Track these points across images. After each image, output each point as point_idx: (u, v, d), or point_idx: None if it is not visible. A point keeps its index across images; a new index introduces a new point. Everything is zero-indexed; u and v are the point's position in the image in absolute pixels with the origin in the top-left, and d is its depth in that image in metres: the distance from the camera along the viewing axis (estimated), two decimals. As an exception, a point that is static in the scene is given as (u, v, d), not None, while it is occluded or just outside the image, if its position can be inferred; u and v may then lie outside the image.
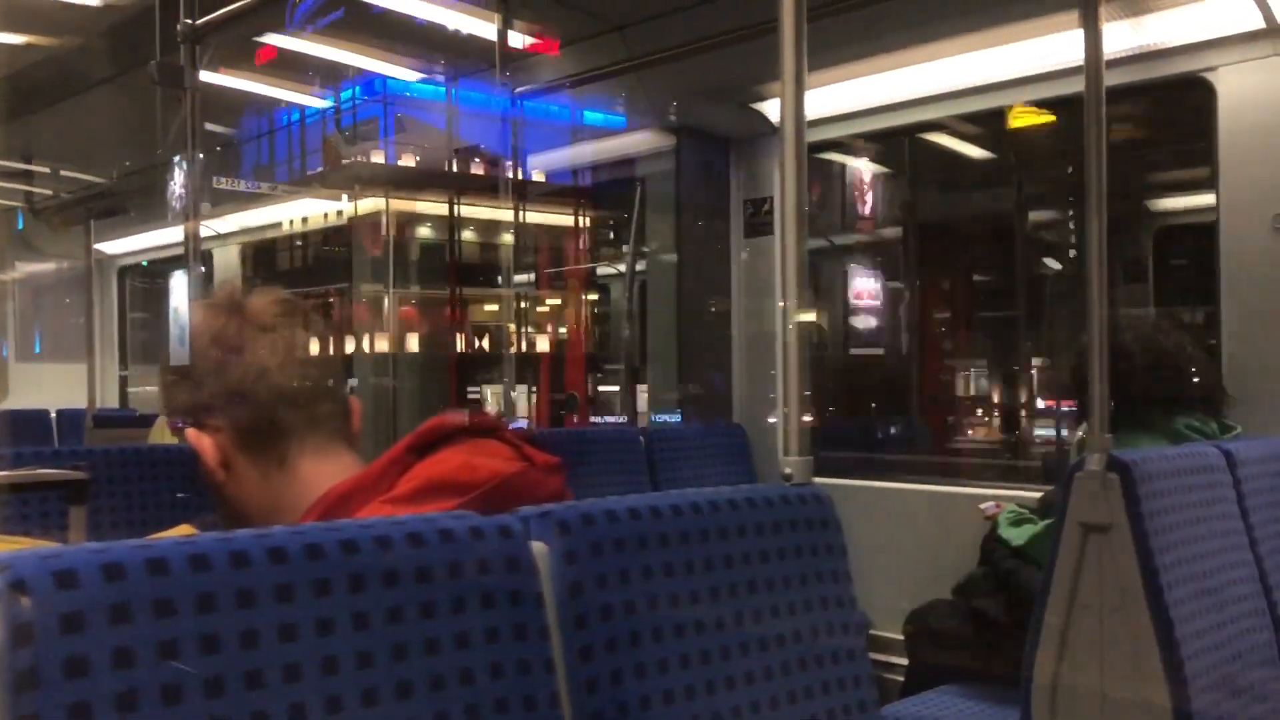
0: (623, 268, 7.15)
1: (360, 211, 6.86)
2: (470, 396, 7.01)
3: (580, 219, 7.14)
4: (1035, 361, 6.99)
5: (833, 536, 1.60)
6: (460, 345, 7.33)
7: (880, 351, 7.88)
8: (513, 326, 7.30)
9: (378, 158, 6.21)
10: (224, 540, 0.99)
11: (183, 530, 1.46)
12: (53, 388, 7.34)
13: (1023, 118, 3.79)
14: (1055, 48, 3.50)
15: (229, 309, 1.39)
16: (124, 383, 8.64)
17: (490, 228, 7.52)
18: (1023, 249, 6.51)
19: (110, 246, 8.26)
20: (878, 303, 7.63)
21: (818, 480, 1.72)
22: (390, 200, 6.69)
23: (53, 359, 8.47)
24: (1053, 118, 3.88)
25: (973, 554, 3.25)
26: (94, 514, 2.31)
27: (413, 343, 7.17)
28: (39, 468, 2.27)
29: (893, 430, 7.15)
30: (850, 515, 1.67)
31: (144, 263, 8.11)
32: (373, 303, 7.22)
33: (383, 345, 6.97)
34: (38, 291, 8.80)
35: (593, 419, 6.61)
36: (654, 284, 5.79)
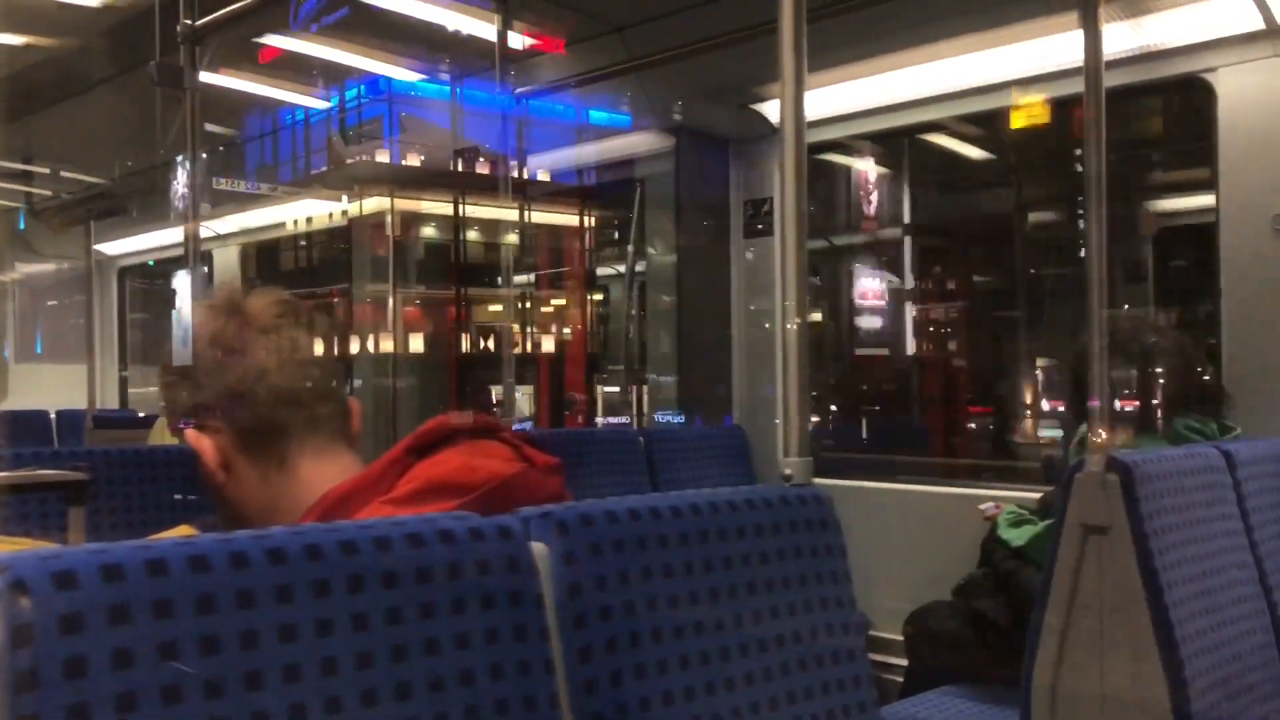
0: (623, 268, 7.15)
1: (361, 212, 6.86)
2: (480, 396, 7.01)
3: (580, 219, 7.14)
4: (1040, 362, 6.99)
5: (832, 537, 1.60)
6: (461, 346, 7.34)
7: (885, 352, 7.87)
8: (516, 327, 7.31)
9: (383, 157, 6.21)
10: (223, 541, 0.99)
11: (182, 531, 1.46)
12: (52, 388, 7.34)
13: (1024, 117, 3.79)
14: (1055, 49, 3.50)
15: (228, 310, 1.39)
16: (124, 384, 8.64)
17: (490, 227, 7.52)
18: (1022, 249, 6.52)
19: (110, 247, 8.26)
20: (881, 302, 7.63)
21: (817, 481, 1.72)
22: (391, 200, 6.69)
23: (53, 360, 8.47)
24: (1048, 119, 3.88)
25: (972, 555, 3.26)
26: (93, 515, 2.31)
27: (413, 343, 7.17)
28: (39, 468, 2.27)
29: (888, 429, 7.17)
30: (850, 516, 1.67)
31: (150, 262, 8.11)
32: (373, 303, 7.22)
33: (383, 346, 6.97)
34: (38, 292, 8.81)
35: (602, 420, 6.55)
36: (654, 285, 5.79)
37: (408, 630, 1.07)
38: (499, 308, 7.87)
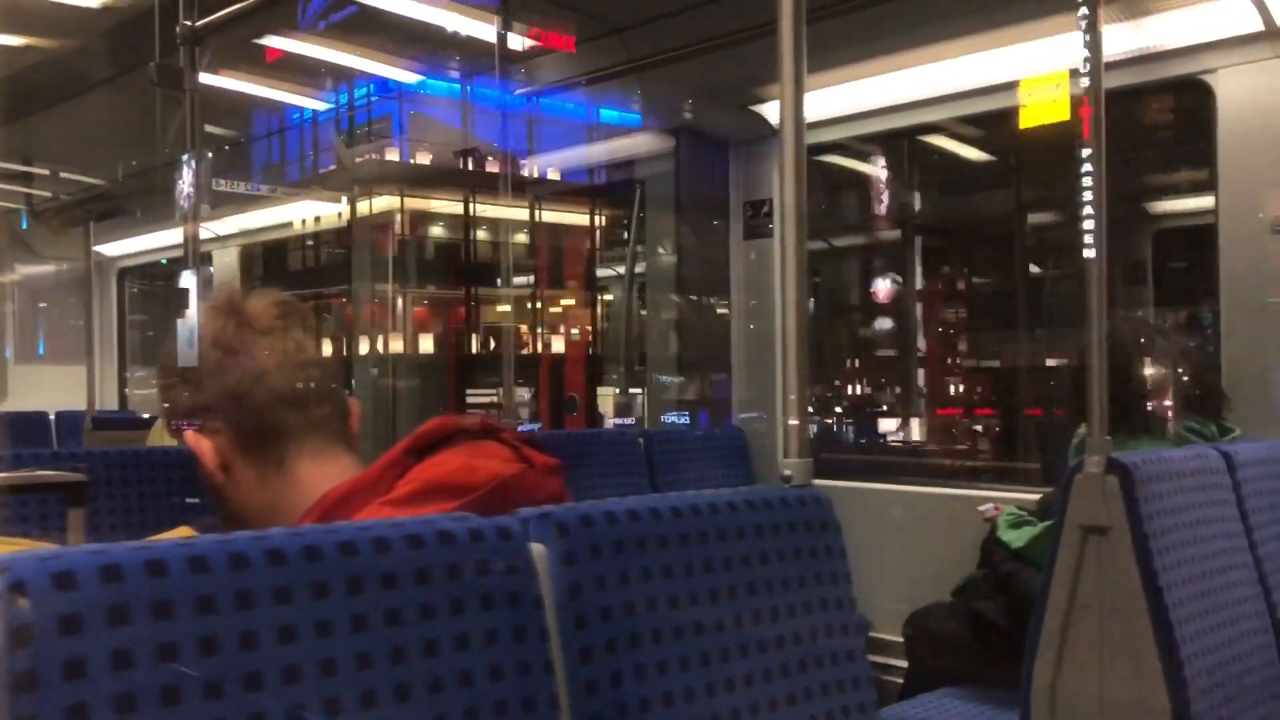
0: (622, 269, 7.16)
1: (362, 212, 6.86)
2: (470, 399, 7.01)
3: (589, 219, 7.15)
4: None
5: (832, 538, 1.60)
6: (460, 347, 7.35)
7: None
8: (521, 328, 7.32)
9: (392, 155, 6.22)
10: (223, 542, 0.99)
11: (182, 532, 1.46)
12: (51, 389, 7.34)
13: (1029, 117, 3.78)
14: (1054, 50, 3.50)
15: (228, 311, 1.39)
16: (123, 385, 8.64)
17: (492, 227, 7.53)
18: (1021, 250, 6.52)
19: (109, 248, 8.26)
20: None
21: (817, 482, 1.72)
22: (401, 199, 6.70)
23: (52, 361, 8.47)
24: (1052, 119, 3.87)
25: (972, 556, 3.25)
26: (93, 516, 2.31)
27: (405, 343, 7.18)
28: (38, 469, 2.27)
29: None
30: (850, 517, 1.67)
31: (163, 260, 8.10)
32: (375, 304, 7.23)
33: (380, 347, 6.98)
34: (39, 293, 8.81)
35: (612, 422, 6.52)
36: (655, 285, 5.79)
37: (407, 631, 1.07)
38: (503, 308, 7.90)
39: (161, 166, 4.35)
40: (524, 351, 7.47)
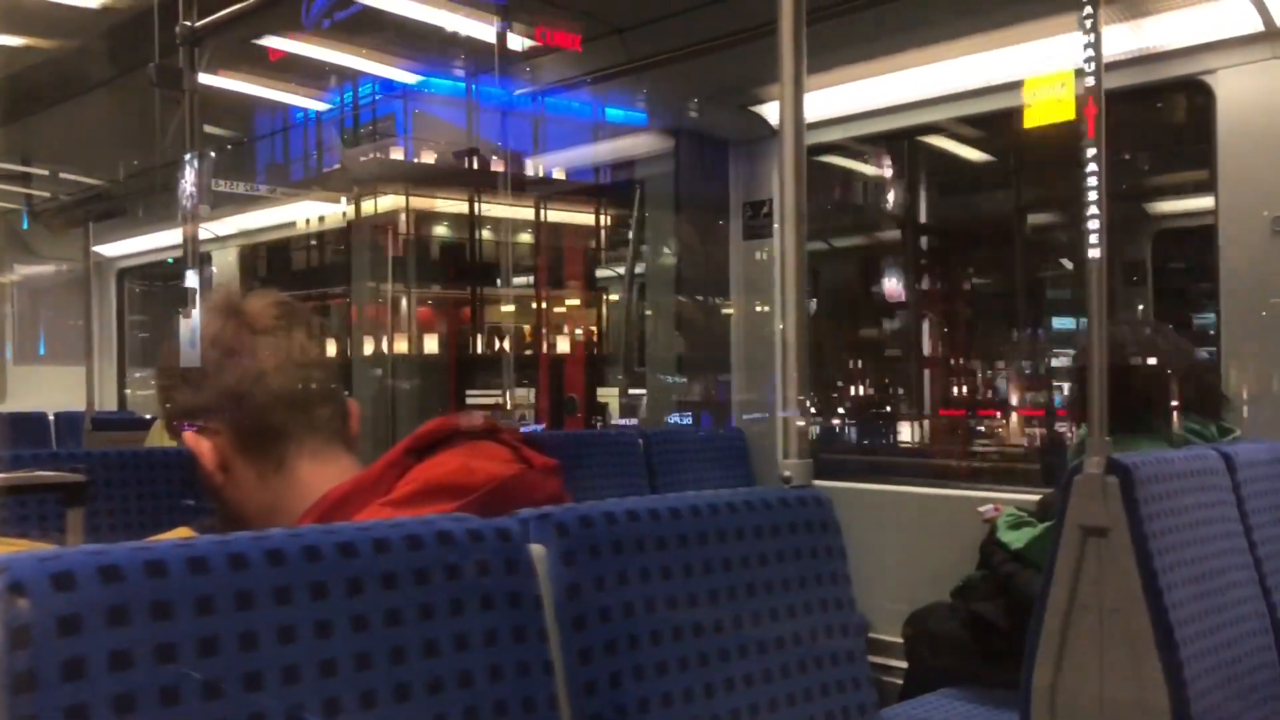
0: (623, 269, 7.16)
1: (364, 212, 6.86)
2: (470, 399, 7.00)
3: (577, 218, 7.15)
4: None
5: (832, 539, 1.60)
6: (452, 346, 7.35)
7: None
8: (525, 328, 7.32)
9: (397, 154, 6.22)
10: (222, 543, 0.99)
11: (181, 533, 1.45)
12: (51, 390, 7.34)
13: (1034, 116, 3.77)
14: (1054, 51, 3.50)
15: (227, 312, 1.39)
16: (122, 385, 8.64)
17: (488, 227, 7.53)
18: (1021, 251, 6.52)
19: (109, 249, 8.26)
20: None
21: (816, 483, 1.72)
22: (406, 198, 6.69)
23: (52, 361, 8.47)
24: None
25: (972, 557, 3.25)
26: (92, 516, 2.31)
27: (399, 344, 7.18)
28: (37, 470, 2.27)
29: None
30: (849, 518, 1.67)
31: (170, 260, 8.10)
32: (372, 304, 7.23)
33: (378, 348, 6.98)
34: (38, 294, 8.80)
35: (620, 422, 6.51)
36: (654, 286, 5.79)
37: (406, 632, 1.07)
38: (504, 308, 7.89)
39: (161, 167, 4.35)
40: (527, 352, 7.47)
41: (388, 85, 5.83)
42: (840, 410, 7.66)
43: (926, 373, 7.63)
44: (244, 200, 6.68)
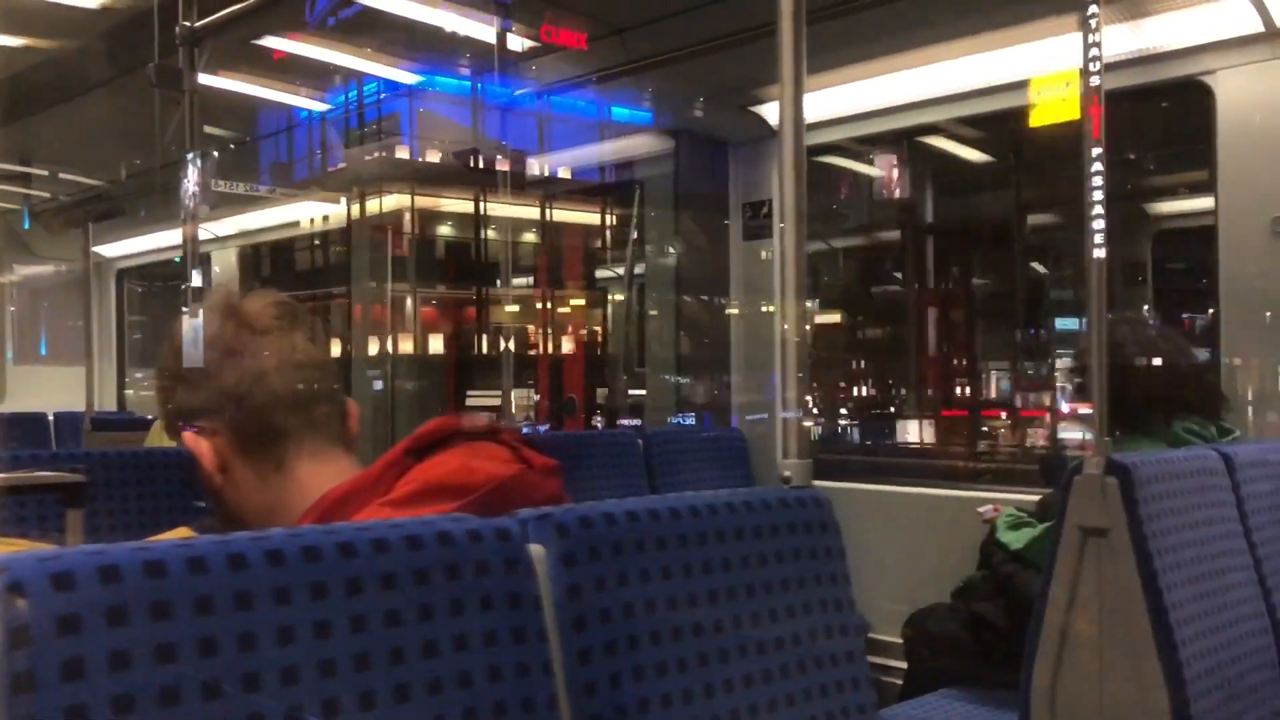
0: (622, 270, 7.16)
1: (365, 211, 6.86)
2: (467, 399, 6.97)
3: (577, 218, 7.15)
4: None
5: (831, 539, 1.60)
6: (451, 347, 7.35)
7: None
8: (531, 328, 7.32)
9: (402, 153, 6.21)
10: (221, 543, 0.99)
11: (180, 533, 1.45)
12: (51, 390, 7.34)
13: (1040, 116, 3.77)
14: (1053, 52, 3.50)
15: (226, 312, 1.39)
16: (122, 386, 8.64)
17: (486, 227, 7.52)
18: (1021, 251, 6.51)
19: (108, 249, 8.26)
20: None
21: (816, 483, 1.72)
22: (412, 197, 6.68)
23: (52, 361, 8.47)
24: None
25: (971, 557, 3.25)
26: (91, 517, 2.31)
27: (411, 344, 7.18)
28: (36, 470, 2.27)
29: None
30: (849, 518, 1.67)
31: (177, 259, 8.12)
32: (370, 303, 7.22)
33: (381, 347, 6.98)
34: (37, 294, 8.81)
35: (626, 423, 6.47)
36: (653, 286, 5.79)
37: (406, 632, 1.07)
38: (504, 308, 7.89)
39: (161, 167, 4.35)
40: (531, 353, 7.48)
41: (392, 84, 5.83)
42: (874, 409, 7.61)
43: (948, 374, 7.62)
44: (244, 201, 6.68)
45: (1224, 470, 2.50)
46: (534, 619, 1.19)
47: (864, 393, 8.00)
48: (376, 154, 6.21)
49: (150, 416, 6.33)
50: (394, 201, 6.96)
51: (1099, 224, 2.27)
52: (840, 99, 4.20)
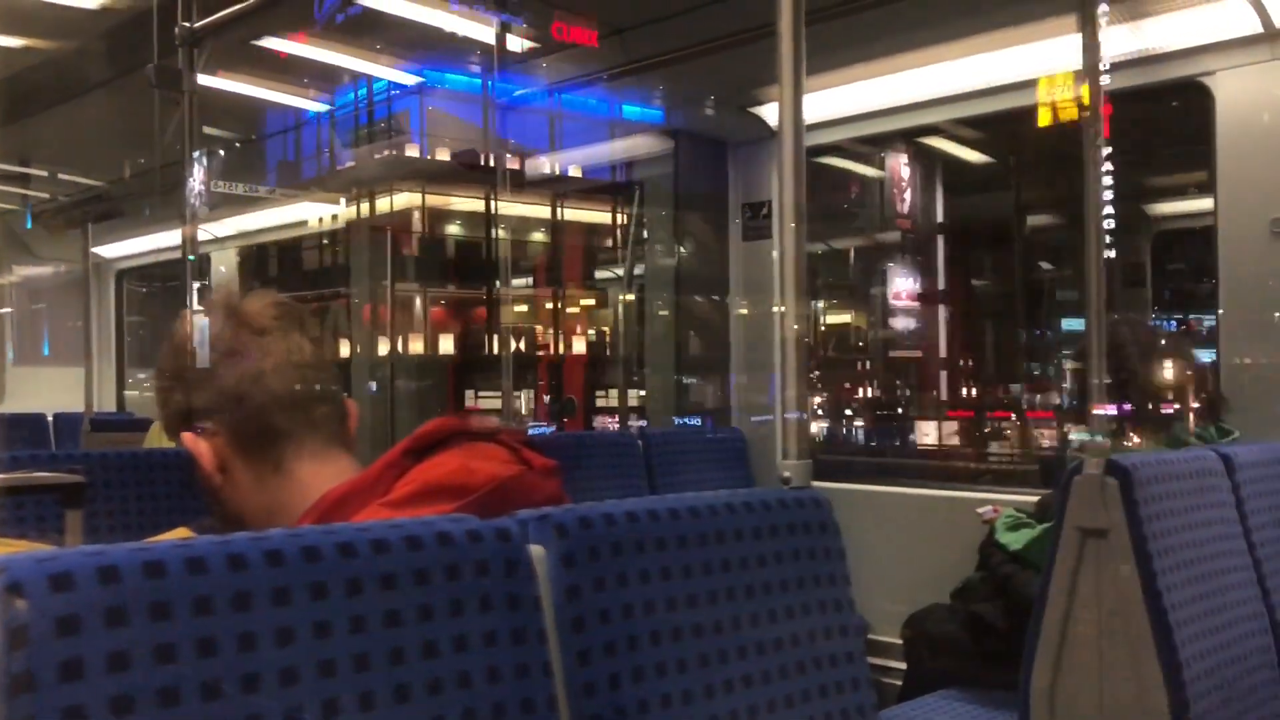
0: (621, 270, 7.16)
1: (367, 210, 6.86)
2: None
3: (576, 218, 7.14)
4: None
5: (831, 540, 1.60)
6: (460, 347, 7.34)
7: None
8: (539, 328, 7.32)
9: (412, 152, 6.21)
10: (220, 543, 0.99)
11: (179, 534, 1.45)
12: (52, 390, 7.33)
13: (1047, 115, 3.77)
14: (1052, 52, 3.50)
15: (225, 313, 1.39)
16: (121, 387, 8.63)
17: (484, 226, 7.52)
18: (1021, 252, 6.52)
19: (108, 250, 8.26)
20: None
21: (816, 484, 1.71)
22: (423, 196, 6.68)
23: (51, 362, 8.47)
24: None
25: (971, 558, 3.25)
26: (91, 518, 2.30)
27: (422, 345, 7.19)
28: (36, 471, 2.27)
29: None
30: (848, 519, 1.67)
31: (191, 257, 8.10)
32: (370, 305, 7.22)
33: (392, 348, 6.98)
34: (36, 295, 8.80)
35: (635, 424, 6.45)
36: (652, 287, 5.78)
37: (405, 633, 1.07)
38: (507, 309, 7.88)
39: (160, 168, 4.35)
40: (539, 353, 7.48)
41: (400, 83, 5.82)
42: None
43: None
44: (244, 201, 6.68)
45: (1223, 471, 2.50)
46: (533, 620, 1.19)
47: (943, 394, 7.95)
48: (386, 152, 6.20)
49: (149, 417, 6.33)
50: (398, 201, 6.97)
51: (1108, 224, 2.27)
52: (840, 99, 4.20)
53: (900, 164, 6.72)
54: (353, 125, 6.43)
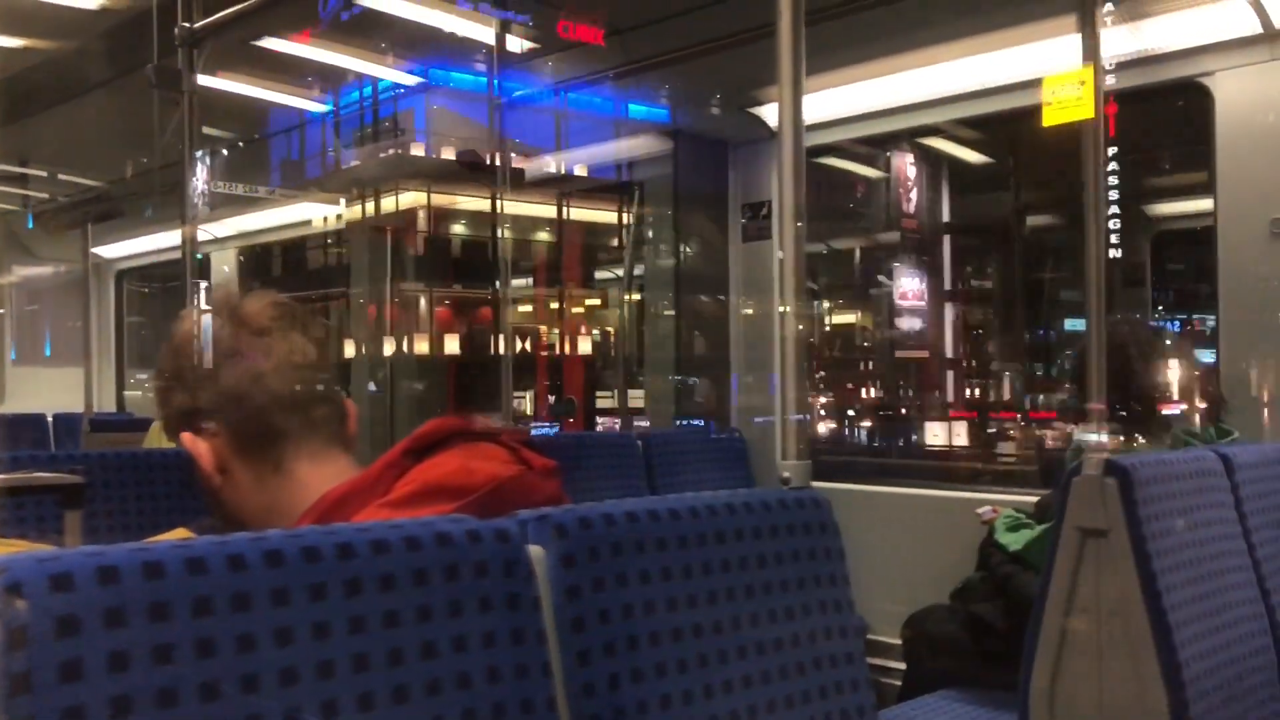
0: (620, 271, 7.16)
1: (369, 211, 6.86)
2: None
3: (577, 218, 7.14)
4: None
5: (831, 540, 1.60)
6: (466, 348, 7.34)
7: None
8: (542, 328, 7.31)
9: (417, 151, 6.21)
10: (220, 544, 0.99)
11: (179, 534, 1.45)
12: (52, 390, 7.33)
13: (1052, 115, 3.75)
14: (1053, 53, 3.50)
15: (224, 313, 1.39)
16: (121, 387, 8.63)
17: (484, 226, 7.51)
18: (1021, 252, 6.52)
19: (107, 250, 8.26)
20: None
21: (815, 484, 1.71)
22: (428, 195, 6.67)
23: (51, 363, 8.47)
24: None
25: (970, 559, 3.26)
26: (90, 518, 2.30)
27: (428, 345, 7.19)
28: (35, 471, 2.27)
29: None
30: (848, 519, 1.67)
31: (198, 256, 8.10)
32: (370, 305, 7.22)
33: (397, 348, 6.99)
34: (35, 295, 8.80)
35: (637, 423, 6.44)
36: (651, 287, 5.78)
37: (405, 633, 1.07)
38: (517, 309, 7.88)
39: (162, 167, 4.35)
40: (553, 354, 7.48)
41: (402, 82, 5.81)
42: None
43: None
44: (244, 202, 6.68)
45: (1223, 471, 2.50)
46: (533, 620, 1.19)
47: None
48: (391, 151, 6.20)
49: (149, 418, 6.32)
50: (398, 201, 6.97)
51: (1114, 224, 2.27)
52: (839, 99, 4.20)
53: (906, 163, 6.71)
54: (357, 124, 6.42)
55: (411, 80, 5.54)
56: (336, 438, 1.39)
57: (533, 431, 5.65)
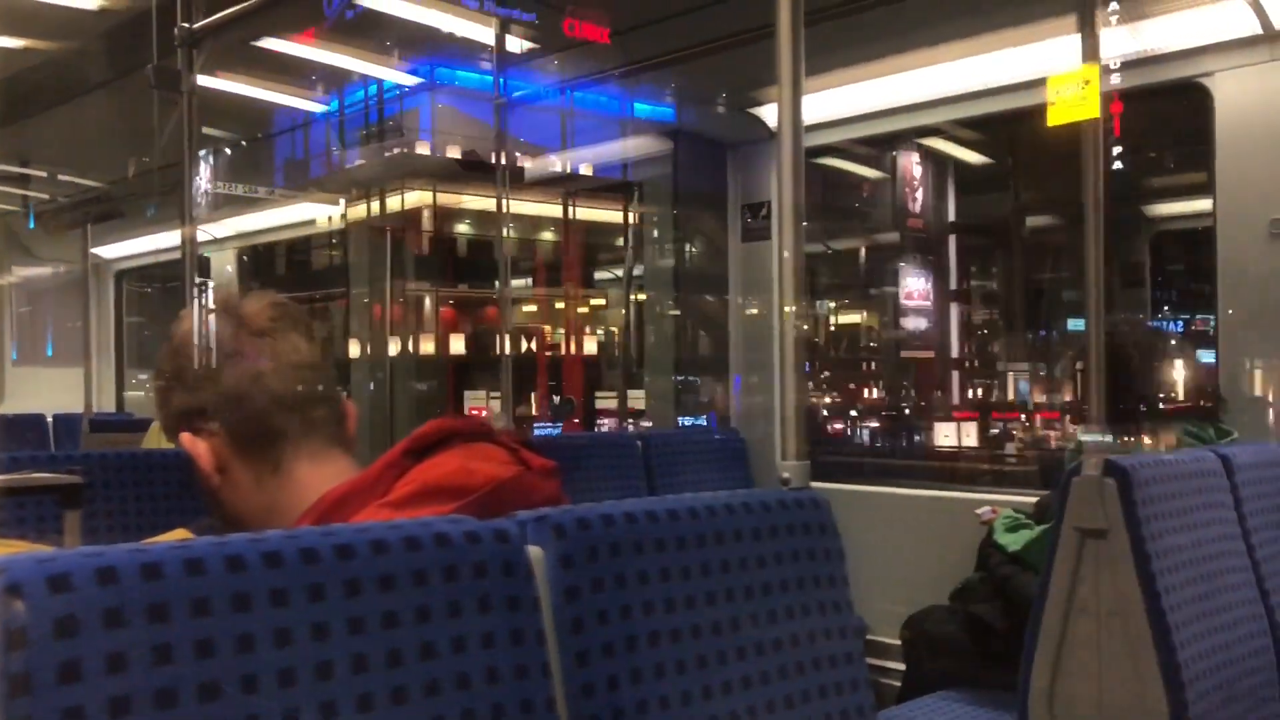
0: (619, 271, 7.16)
1: (375, 210, 6.87)
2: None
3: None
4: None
5: (830, 541, 1.60)
6: (446, 348, 7.34)
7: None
8: (548, 327, 7.31)
9: (423, 150, 6.21)
10: (219, 544, 0.99)
11: (178, 535, 1.45)
12: (52, 390, 7.33)
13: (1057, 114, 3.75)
14: (1053, 53, 3.50)
15: (224, 313, 1.39)
16: (120, 387, 8.64)
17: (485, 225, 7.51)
18: (1020, 252, 6.52)
19: (107, 250, 8.26)
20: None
21: (814, 485, 1.71)
22: (434, 194, 6.67)
23: (51, 363, 8.47)
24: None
25: (970, 559, 3.26)
26: (89, 518, 2.30)
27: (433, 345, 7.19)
28: (35, 472, 2.27)
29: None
30: (848, 520, 1.67)
31: (206, 254, 8.11)
32: (374, 305, 7.22)
33: (402, 348, 6.99)
34: (37, 295, 8.80)
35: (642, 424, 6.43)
36: (651, 288, 5.78)
37: (404, 634, 1.07)
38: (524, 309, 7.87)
39: (160, 169, 4.35)
40: (557, 354, 7.49)
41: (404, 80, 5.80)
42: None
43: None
44: (244, 202, 6.68)
45: (1222, 472, 2.50)
46: (532, 621, 1.19)
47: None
48: (395, 150, 6.20)
49: (148, 418, 6.32)
50: (403, 200, 6.98)
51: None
52: (839, 100, 4.20)
53: (911, 163, 6.71)
54: (361, 124, 6.42)
55: (411, 80, 5.53)
56: (336, 438, 1.39)
57: (534, 432, 5.66)
